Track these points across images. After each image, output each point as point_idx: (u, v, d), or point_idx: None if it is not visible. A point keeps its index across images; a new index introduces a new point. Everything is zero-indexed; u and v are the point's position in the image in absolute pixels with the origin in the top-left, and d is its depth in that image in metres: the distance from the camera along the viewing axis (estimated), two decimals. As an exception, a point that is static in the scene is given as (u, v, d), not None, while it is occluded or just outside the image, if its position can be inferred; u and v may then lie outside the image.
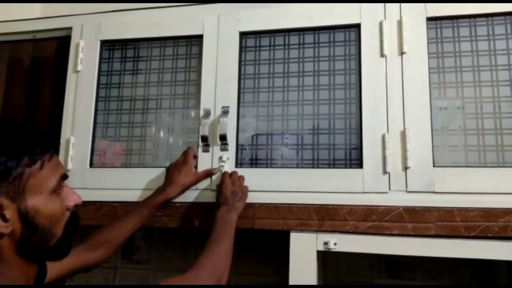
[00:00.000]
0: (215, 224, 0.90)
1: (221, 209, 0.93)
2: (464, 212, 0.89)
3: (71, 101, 1.16)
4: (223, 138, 1.03)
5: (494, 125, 0.95)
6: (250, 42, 1.11)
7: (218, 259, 0.82)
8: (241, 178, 1.00)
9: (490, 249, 0.86)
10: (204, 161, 1.05)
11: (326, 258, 1.21)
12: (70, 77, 1.17)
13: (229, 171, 1.02)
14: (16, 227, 0.59)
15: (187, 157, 1.02)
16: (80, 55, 1.18)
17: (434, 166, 0.93)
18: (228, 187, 0.96)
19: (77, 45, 1.18)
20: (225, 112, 1.04)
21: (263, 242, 1.25)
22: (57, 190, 0.63)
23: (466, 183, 0.91)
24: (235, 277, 1.27)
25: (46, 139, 0.65)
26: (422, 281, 1.16)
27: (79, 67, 1.17)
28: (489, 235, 0.87)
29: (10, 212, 0.58)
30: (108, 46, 1.19)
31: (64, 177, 0.65)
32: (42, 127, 1.14)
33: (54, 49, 1.26)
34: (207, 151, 1.05)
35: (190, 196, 1.04)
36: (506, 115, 0.95)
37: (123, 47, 1.18)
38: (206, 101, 1.07)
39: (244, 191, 0.99)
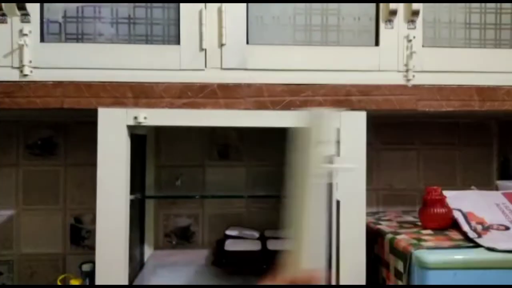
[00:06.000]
0: None
1: None
2: (271, 87, 0.94)
3: None
4: (22, 8, 0.89)
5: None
6: None
7: None
8: None
9: (288, 118, 0.91)
10: (3, 35, 0.91)
11: (160, 145, 1.22)
12: None
13: (33, 47, 0.90)
14: None
15: None
16: None
17: (247, 43, 0.95)
18: None
19: None
20: (23, -25, 0.89)
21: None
22: None
23: (276, 60, 0.95)
24: (64, 168, 1.22)
25: None
26: (248, 162, 1.25)
27: None
28: (292, 108, 0.94)
29: None
30: None
31: None
32: None
33: None
34: (4, 22, 0.91)
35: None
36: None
37: None
38: (-2, -39, 0.90)
39: None
